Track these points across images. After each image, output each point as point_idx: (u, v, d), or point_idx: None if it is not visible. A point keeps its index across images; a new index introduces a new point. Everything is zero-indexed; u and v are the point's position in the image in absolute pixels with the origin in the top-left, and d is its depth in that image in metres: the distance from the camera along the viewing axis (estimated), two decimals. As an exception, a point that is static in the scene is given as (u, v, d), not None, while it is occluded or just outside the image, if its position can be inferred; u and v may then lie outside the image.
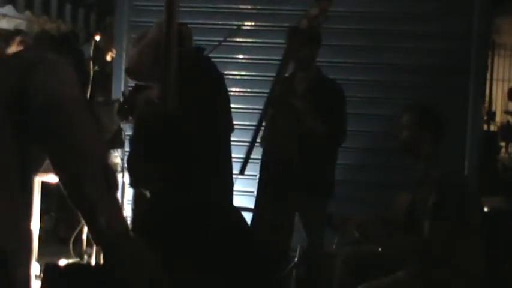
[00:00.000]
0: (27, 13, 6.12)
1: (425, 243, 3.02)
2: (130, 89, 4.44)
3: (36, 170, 1.68)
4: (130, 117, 4.05)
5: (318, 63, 4.14)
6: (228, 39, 4.32)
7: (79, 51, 6.02)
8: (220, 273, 2.09)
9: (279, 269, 3.78)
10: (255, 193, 4.03)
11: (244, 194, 4.36)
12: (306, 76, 3.98)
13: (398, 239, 3.28)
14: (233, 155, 3.83)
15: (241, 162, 3.85)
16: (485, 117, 7.49)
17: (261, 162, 3.98)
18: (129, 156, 2.28)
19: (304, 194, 3.93)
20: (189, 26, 4.10)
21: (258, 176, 4.01)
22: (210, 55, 4.18)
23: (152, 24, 3.73)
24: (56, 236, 5.68)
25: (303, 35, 3.74)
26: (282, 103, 3.85)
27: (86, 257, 4.85)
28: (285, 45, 3.95)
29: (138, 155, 2.22)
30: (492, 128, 9.18)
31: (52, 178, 3.96)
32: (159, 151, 2.18)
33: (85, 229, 4.72)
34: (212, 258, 2.10)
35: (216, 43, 4.25)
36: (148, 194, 2.29)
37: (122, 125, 4.81)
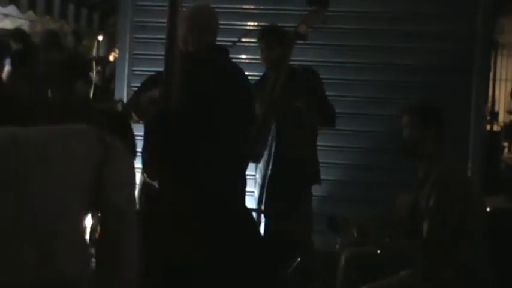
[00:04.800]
0: (30, 13, 6.13)
1: (425, 244, 3.02)
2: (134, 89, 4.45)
3: None
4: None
5: (318, 64, 4.15)
6: (234, 39, 4.32)
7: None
8: (227, 261, 2.10)
9: (286, 261, 3.80)
10: (257, 193, 4.03)
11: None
12: (278, 74, 3.97)
13: (398, 239, 3.28)
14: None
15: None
16: (488, 117, 7.48)
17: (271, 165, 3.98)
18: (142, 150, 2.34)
19: (304, 187, 4.06)
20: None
21: (262, 175, 4.00)
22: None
23: (153, 24, 3.74)
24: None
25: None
26: (278, 104, 3.87)
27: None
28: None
29: (151, 149, 2.28)
30: (495, 127, 9.18)
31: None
32: (171, 144, 2.24)
33: (87, 229, 4.72)
34: (219, 247, 2.11)
35: (217, 43, 4.25)
36: (156, 184, 2.33)
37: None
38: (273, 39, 3.99)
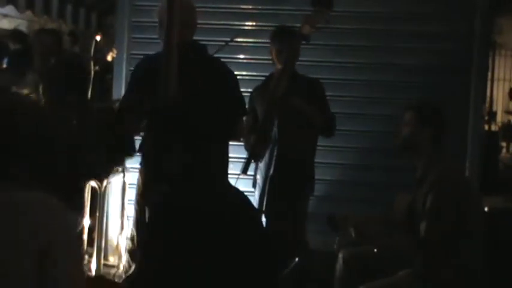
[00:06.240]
0: (28, 13, 6.12)
1: (423, 244, 3.02)
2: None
3: None
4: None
5: (318, 64, 4.14)
6: (230, 39, 4.32)
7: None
8: (227, 261, 2.10)
9: (286, 261, 3.81)
10: (257, 194, 4.03)
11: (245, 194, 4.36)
12: (281, 75, 3.96)
13: (396, 239, 3.28)
14: (235, 155, 3.84)
15: (242, 162, 3.86)
16: (486, 117, 7.48)
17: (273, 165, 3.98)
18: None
19: (304, 187, 4.06)
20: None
21: (263, 176, 4.00)
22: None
23: (151, 24, 3.72)
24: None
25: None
26: (281, 104, 3.87)
27: (86, 257, 4.85)
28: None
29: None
30: (493, 127, 9.19)
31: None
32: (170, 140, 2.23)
33: (85, 229, 4.72)
34: (219, 247, 2.11)
35: (217, 43, 4.25)
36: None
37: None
38: (285, 40, 3.97)
